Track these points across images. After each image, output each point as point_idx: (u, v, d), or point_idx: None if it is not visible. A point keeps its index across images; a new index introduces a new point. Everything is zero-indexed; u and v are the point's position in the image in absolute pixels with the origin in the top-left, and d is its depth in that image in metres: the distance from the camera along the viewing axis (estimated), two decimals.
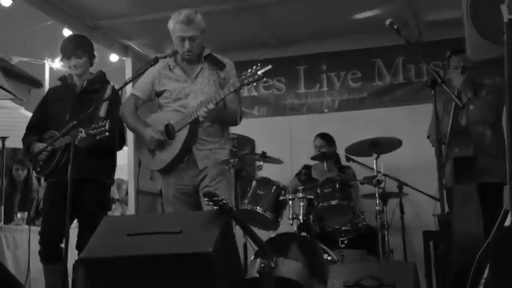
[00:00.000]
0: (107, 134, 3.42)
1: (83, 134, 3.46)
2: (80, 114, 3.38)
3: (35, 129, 3.88)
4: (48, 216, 3.74)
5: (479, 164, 3.71)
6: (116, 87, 3.83)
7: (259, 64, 3.31)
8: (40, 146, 3.73)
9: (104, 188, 3.84)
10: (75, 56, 3.79)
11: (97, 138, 3.47)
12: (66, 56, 3.82)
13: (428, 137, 4.29)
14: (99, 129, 3.43)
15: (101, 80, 3.90)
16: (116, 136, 3.59)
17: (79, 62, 3.80)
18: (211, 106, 3.33)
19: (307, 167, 5.37)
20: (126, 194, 7.17)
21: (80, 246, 3.54)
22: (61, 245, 3.50)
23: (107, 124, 3.42)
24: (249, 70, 3.31)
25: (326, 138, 5.33)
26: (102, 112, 3.70)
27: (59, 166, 3.68)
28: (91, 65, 3.91)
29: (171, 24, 3.53)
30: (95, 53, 3.95)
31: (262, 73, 3.28)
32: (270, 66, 3.29)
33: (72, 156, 3.26)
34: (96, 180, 3.74)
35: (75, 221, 3.87)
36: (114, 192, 7.61)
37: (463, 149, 3.61)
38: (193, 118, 3.41)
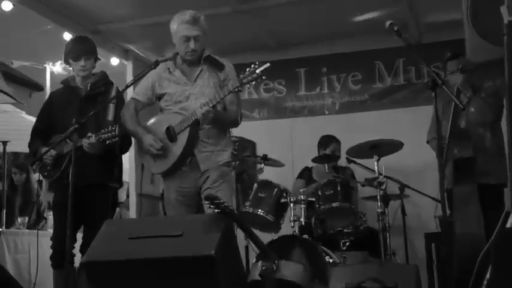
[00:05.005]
0: (116, 139, 3.41)
1: (93, 139, 3.46)
2: (85, 117, 3.38)
3: (40, 135, 3.86)
4: (59, 222, 3.72)
5: (478, 165, 3.71)
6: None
7: (257, 63, 3.31)
8: (45, 149, 3.72)
9: (112, 192, 3.82)
10: (85, 57, 3.77)
11: (107, 143, 3.47)
12: (75, 57, 3.78)
13: (427, 142, 4.29)
14: (109, 134, 3.42)
15: (105, 82, 3.88)
16: (119, 140, 3.57)
17: (88, 63, 3.79)
18: (206, 108, 3.32)
19: (308, 169, 5.36)
20: (127, 196, 7.16)
21: (84, 250, 3.54)
22: (72, 251, 3.49)
23: (117, 129, 3.41)
24: (248, 69, 3.31)
25: (340, 143, 5.30)
26: (110, 116, 3.68)
27: (67, 171, 3.66)
28: (94, 67, 3.90)
29: (174, 25, 3.52)
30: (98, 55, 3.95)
31: (261, 71, 3.28)
32: (268, 64, 3.29)
33: (74, 162, 3.26)
34: (104, 185, 3.73)
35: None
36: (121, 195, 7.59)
37: (462, 150, 3.61)
38: (193, 120, 3.41)
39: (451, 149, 3.62)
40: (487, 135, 3.96)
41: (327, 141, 5.32)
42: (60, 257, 3.54)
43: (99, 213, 3.63)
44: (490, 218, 3.31)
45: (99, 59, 3.90)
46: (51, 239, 3.73)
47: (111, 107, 3.69)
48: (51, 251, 3.71)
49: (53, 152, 3.67)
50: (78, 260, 3.50)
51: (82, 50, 3.79)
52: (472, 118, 3.90)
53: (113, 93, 3.79)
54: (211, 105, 3.35)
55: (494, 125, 3.98)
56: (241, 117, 3.67)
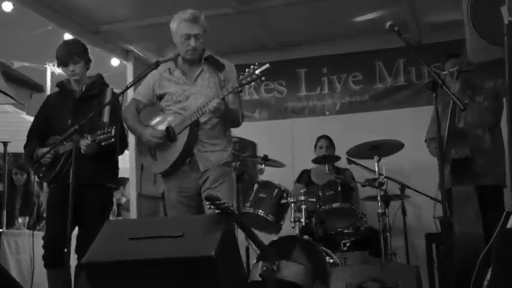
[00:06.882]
0: (112, 140, 3.41)
1: (89, 141, 3.46)
2: (81, 119, 3.37)
3: (36, 137, 3.86)
4: (52, 222, 3.72)
5: (477, 166, 3.71)
6: (117, 91, 3.81)
7: (256, 64, 3.32)
8: (44, 150, 3.72)
9: (107, 192, 3.83)
10: (72, 62, 3.77)
11: (102, 144, 3.47)
12: (63, 63, 3.80)
13: (425, 141, 4.29)
14: (105, 136, 3.42)
15: (100, 84, 3.89)
16: (118, 141, 3.57)
17: (76, 67, 3.78)
18: (217, 101, 3.32)
19: (306, 172, 5.37)
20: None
21: (79, 250, 3.53)
22: (65, 250, 3.48)
23: (113, 131, 3.41)
24: (247, 70, 3.32)
25: (330, 140, 5.34)
26: (105, 117, 3.68)
27: (62, 171, 3.66)
28: (87, 69, 3.90)
29: (174, 24, 3.52)
30: (91, 56, 3.92)
31: (260, 72, 3.28)
32: (267, 65, 3.29)
33: (74, 162, 3.26)
34: (99, 185, 3.74)
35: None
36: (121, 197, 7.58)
37: (459, 151, 3.61)
38: (193, 120, 3.42)
39: (448, 150, 3.62)
40: (486, 136, 3.95)
41: (316, 141, 5.36)
42: (53, 256, 3.55)
43: (94, 213, 3.64)
44: (489, 218, 3.30)
45: (90, 61, 3.89)
46: (43, 238, 3.72)
47: (106, 108, 3.69)
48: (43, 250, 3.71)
49: (52, 152, 3.66)
50: (72, 260, 3.49)
51: (68, 55, 3.77)
52: (470, 120, 3.89)
53: (108, 95, 3.78)
54: (221, 97, 3.35)
55: (494, 127, 3.97)
56: (242, 117, 3.67)
